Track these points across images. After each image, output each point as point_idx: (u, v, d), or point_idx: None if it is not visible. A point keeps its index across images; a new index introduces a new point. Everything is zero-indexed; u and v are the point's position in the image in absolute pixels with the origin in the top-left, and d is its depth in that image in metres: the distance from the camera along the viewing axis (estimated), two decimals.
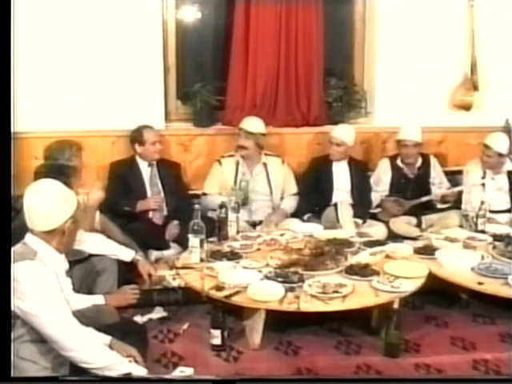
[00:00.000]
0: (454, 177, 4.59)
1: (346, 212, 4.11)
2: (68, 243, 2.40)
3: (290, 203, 4.35)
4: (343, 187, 4.38)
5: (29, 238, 2.32)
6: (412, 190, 4.43)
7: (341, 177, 4.40)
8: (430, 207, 4.41)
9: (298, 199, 4.38)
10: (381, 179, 4.51)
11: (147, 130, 4.14)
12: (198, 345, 3.02)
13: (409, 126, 4.40)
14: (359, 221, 4.22)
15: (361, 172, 4.46)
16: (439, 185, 4.50)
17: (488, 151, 4.28)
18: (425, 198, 4.36)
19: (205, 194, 4.28)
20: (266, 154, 4.34)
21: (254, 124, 4.23)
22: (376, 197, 4.48)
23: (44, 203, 2.29)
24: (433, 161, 4.55)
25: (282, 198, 4.36)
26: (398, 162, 4.47)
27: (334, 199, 4.31)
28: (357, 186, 4.39)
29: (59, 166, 3.30)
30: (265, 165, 4.31)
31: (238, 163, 4.27)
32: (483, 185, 4.22)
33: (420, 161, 4.48)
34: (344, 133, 4.36)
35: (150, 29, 4.32)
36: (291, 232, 3.85)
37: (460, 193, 4.37)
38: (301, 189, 4.41)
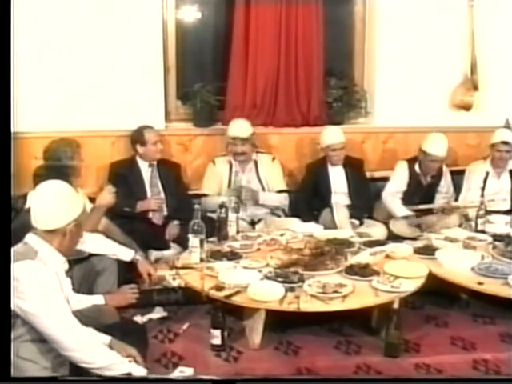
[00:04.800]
0: (455, 177, 4.57)
1: (341, 214, 4.09)
2: (69, 246, 2.39)
3: (272, 197, 4.29)
4: (340, 189, 4.37)
5: (30, 237, 2.32)
6: (422, 197, 4.37)
7: (337, 179, 4.38)
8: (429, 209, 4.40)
9: (287, 199, 4.34)
10: (397, 181, 4.39)
11: (148, 130, 4.13)
12: (197, 345, 3.02)
13: (437, 139, 4.27)
14: (356, 221, 4.21)
15: (357, 172, 4.43)
16: (445, 194, 4.43)
17: (504, 146, 4.26)
18: (423, 207, 4.32)
19: (204, 195, 4.28)
20: (257, 152, 4.35)
21: (243, 128, 4.22)
22: (386, 195, 4.36)
23: (51, 202, 2.30)
24: (445, 170, 4.46)
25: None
26: (416, 167, 4.38)
27: (332, 202, 4.27)
28: (353, 187, 4.38)
29: (58, 166, 3.30)
30: (255, 162, 4.33)
31: (230, 162, 4.30)
32: (483, 187, 4.20)
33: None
34: None
35: (149, 29, 4.32)
36: (291, 232, 3.84)
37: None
38: (300, 194, 4.40)
